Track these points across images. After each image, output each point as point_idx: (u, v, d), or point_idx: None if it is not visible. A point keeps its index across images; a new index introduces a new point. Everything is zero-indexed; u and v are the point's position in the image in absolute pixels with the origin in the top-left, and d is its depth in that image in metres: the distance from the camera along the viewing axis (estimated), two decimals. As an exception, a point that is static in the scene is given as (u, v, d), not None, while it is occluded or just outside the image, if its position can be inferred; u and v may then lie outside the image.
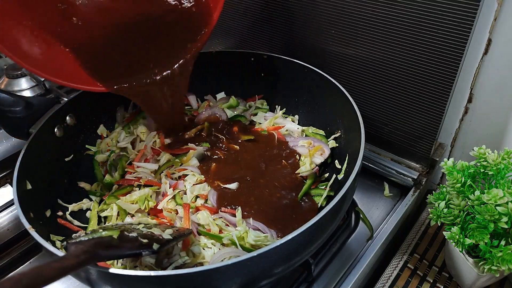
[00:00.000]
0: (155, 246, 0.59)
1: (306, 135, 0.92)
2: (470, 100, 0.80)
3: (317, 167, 0.84)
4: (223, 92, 1.06)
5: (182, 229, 0.69)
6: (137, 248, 0.59)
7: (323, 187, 0.81)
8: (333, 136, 0.87)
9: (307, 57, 0.94)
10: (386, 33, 0.76)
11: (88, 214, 0.81)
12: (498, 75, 0.74)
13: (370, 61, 0.82)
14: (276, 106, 1.01)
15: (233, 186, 0.80)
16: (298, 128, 0.93)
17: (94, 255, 0.52)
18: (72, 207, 0.79)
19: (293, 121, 0.97)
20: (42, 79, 1.37)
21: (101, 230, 0.57)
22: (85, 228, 0.77)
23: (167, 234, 0.62)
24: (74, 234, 0.58)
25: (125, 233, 0.59)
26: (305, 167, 0.83)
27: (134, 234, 0.60)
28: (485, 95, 0.78)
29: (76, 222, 0.77)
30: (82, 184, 0.85)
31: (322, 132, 0.91)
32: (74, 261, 0.50)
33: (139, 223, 0.67)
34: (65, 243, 0.55)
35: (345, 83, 0.88)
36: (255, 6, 0.96)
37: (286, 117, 0.98)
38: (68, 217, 0.77)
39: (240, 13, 1.02)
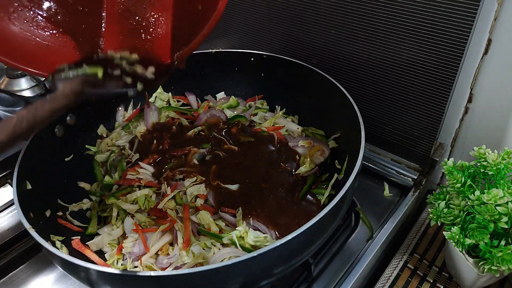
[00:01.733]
0: (139, 86, 0.59)
1: (306, 135, 0.92)
2: (470, 100, 0.80)
3: (317, 167, 0.84)
4: (223, 92, 1.06)
5: (164, 66, 0.66)
6: (122, 87, 0.59)
7: (324, 187, 0.81)
8: (333, 136, 0.87)
9: (307, 57, 0.94)
10: (386, 33, 0.76)
11: (88, 214, 0.81)
12: (498, 75, 0.74)
13: (370, 61, 0.82)
14: (276, 106, 1.01)
15: (233, 187, 0.80)
16: (298, 128, 0.93)
17: (81, 94, 0.53)
18: (72, 207, 0.79)
19: (293, 121, 0.97)
20: (42, 79, 1.37)
21: (85, 65, 0.56)
22: (85, 229, 0.77)
23: (150, 73, 0.60)
24: (58, 67, 0.58)
25: (109, 70, 0.58)
26: (305, 167, 0.83)
27: (117, 72, 0.59)
28: (485, 95, 0.78)
29: (76, 222, 0.77)
30: (82, 184, 0.85)
31: (322, 132, 0.91)
32: (63, 101, 0.51)
33: (121, 57, 0.63)
34: (50, 77, 0.55)
35: (345, 83, 0.88)
36: (255, 6, 0.96)
37: (286, 117, 0.98)
38: (68, 217, 0.77)
39: (240, 13, 1.02)
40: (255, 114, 0.99)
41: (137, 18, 0.78)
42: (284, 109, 0.99)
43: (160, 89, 1.03)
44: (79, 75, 0.55)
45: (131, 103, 1.00)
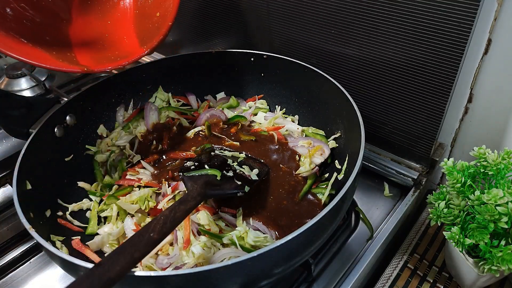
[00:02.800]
0: (247, 188, 0.69)
1: (306, 135, 0.92)
2: (470, 100, 0.80)
3: (317, 167, 0.84)
4: (223, 92, 1.06)
5: (262, 166, 0.75)
6: (234, 189, 0.69)
7: (323, 186, 0.81)
8: (333, 136, 0.87)
9: (307, 57, 0.94)
10: (386, 33, 0.76)
11: (88, 214, 0.81)
12: (498, 75, 0.74)
13: (370, 61, 0.82)
14: (276, 106, 1.01)
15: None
16: (298, 128, 0.93)
17: (204, 196, 0.63)
18: (72, 207, 0.79)
19: (293, 121, 0.97)
20: (43, 79, 1.37)
21: (206, 167, 0.68)
22: (85, 229, 0.77)
23: (254, 175, 0.72)
24: (186, 164, 0.74)
25: (224, 172, 0.69)
26: (305, 167, 0.83)
27: (230, 174, 0.70)
28: (485, 95, 0.78)
29: (76, 222, 0.77)
30: (82, 184, 0.85)
31: (322, 132, 0.91)
32: (193, 203, 0.61)
33: (232, 156, 0.75)
34: (181, 174, 0.67)
35: (345, 83, 0.88)
36: (255, 6, 0.96)
37: (286, 117, 0.98)
38: (68, 217, 0.77)
39: (240, 13, 1.02)
40: (255, 114, 0.99)
41: (102, 32, 0.88)
42: (284, 109, 0.99)
43: (160, 89, 1.03)
44: (202, 176, 0.67)
45: (131, 103, 1.01)
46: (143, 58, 1.06)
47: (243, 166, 0.75)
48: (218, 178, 0.69)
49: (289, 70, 0.93)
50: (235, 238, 0.68)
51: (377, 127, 0.91)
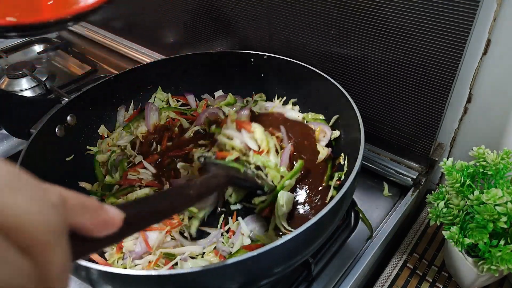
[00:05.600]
0: (266, 188, 0.70)
1: (306, 121, 0.93)
2: (469, 100, 0.80)
3: (330, 149, 0.85)
4: (221, 90, 1.06)
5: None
6: (255, 185, 0.70)
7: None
8: (333, 119, 0.88)
9: (306, 57, 0.94)
10: (385, 33, 0.76)
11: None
12: (498, 75, 0.74)
13: (370, 61, 0.82)
14: (276, 96, 1.01)
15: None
16: (298, 116, 0.93)
17: (230, 179, 0.63)
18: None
19: (293, 109, 0.97)
20: (43, 80, 1.37)
21: (228, 160, 0.71)
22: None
23: (270, 182, 0.73)
24: (205, 153, 0.76)
25: (245, 169, 0.71)
26: (321, 154, 0.84)
27: (251, 172, 0.71)
28: (484, 95, 0.78)
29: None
30: (83, 184, 0.85)
31: (321, 116, 0.91)
32: (224, 180, 0.61)
33: (250, 163, 0.76)
34: (202, 158, 0.68)
35: (344, 84, 0.88)
36: (255, 6, 0.97)
37: (285, 105, 0.98)
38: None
39: (240, 13, 1.02)
40: (255, 105, 1.00)
41: None
42: (284, 97, 1.00)
43: (159, 90, 1.04)
44: (225, 165, 0.68)
45: (132, 103, 1.01)
46: (143, 58, 1.06)
47: (258, 171, 0.75)
48: (242, 170, 0.70)
49: (289, 71, 0.93)
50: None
51: (376, 127, 0.91)
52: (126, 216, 0.31)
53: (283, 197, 0.73)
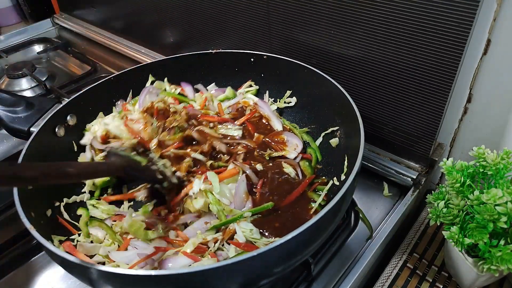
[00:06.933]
0: (165, 184, 0.75)
1: (284, 125, 0.94)
2: (469, 100, 0.80)
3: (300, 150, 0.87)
4: (214, 84, 1.06)
5: (182, 178, 0.80)
6: (153, 179, 0.74)
7: (319, 193, 0.79)
8: (323, 133, 0.89)
9: (306, 57, 0.94)
10: (385, 33, 0.76)
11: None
12: (498, 75, 0.74)
13: (370, 61, 0.82)
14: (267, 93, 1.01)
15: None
16: (280, 121, 0.95)
17: (123, 170, 0.68)
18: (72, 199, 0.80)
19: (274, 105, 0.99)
20: (43, 80, 1.37)
21: (134, 153, 0.73)
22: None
23: (174, 179, 0.77)
24: (112, 145, 0.82)
25: (149, 163, 0.74)
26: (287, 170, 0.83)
27: (155, 167, 0.75)
28: (484, 95, 0.78)
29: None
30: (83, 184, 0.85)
31: (299, 128, 0.94)
32: (113, 168, 0.69)
33: (161, 161, 0.79)
34: (107, 149, 0.72)
35: (344, 83, 0.88)
36: (255, 6, 0.97)
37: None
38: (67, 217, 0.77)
39: (240, 13, 1.02)
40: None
41: None
42: (254, 88, 1.01)
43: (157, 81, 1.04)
44: (127, 156, 0.71)
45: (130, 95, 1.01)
46: (143, 58, 1.06)
47: (167, 168, 0.78)
48: (143, 164, 0.73)
49: (289, 70, 0.93)
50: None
51: (376, 127, 0.91)
52: None
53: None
